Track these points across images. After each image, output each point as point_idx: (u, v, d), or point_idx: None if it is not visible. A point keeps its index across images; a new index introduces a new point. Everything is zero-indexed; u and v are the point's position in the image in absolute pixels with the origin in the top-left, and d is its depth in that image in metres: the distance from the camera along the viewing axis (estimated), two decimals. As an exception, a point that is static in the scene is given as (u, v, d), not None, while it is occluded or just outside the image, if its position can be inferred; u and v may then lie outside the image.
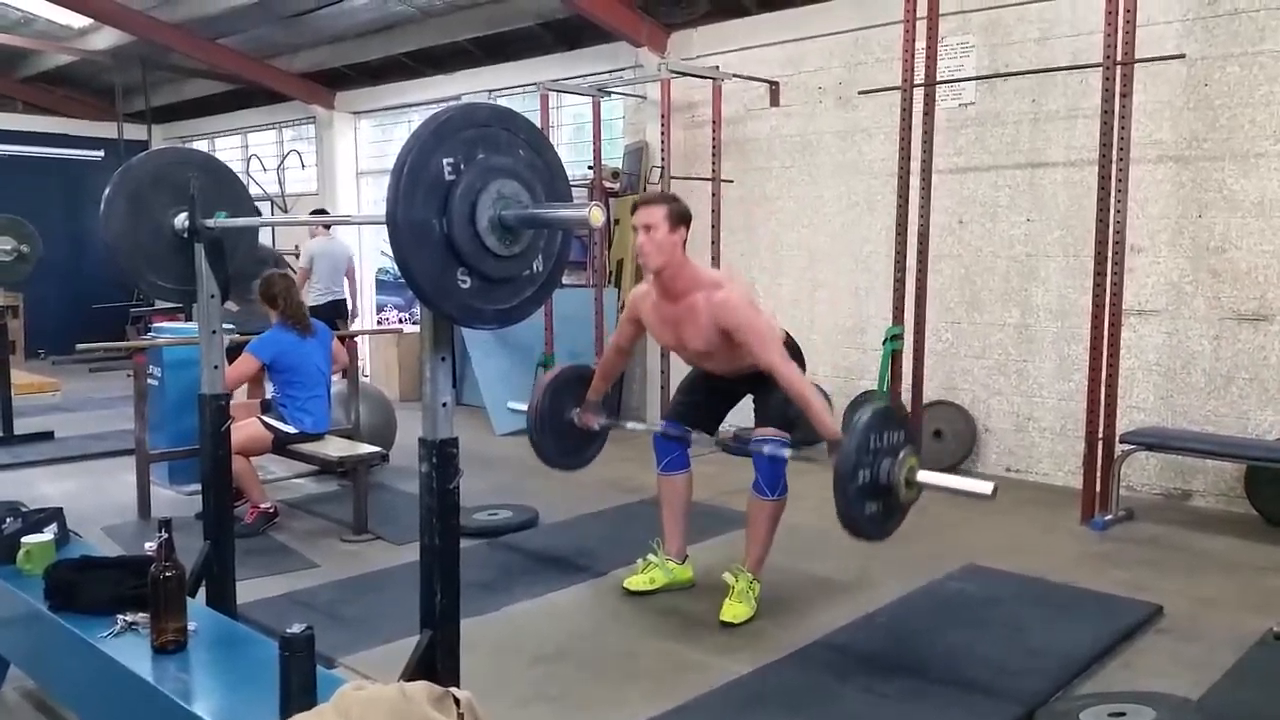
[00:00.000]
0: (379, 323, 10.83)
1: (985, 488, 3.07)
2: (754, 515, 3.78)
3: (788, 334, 3.77)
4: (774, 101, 7.05)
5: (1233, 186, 5.19)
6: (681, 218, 3.55)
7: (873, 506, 3.07)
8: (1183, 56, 5.14)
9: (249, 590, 3.76)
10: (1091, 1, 5.21)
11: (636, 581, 4.00)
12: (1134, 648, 3.47)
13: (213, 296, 2.90)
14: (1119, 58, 4.77)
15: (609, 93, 7.66)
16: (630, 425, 4.49)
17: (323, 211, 9.95)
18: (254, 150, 12.22)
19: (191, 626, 2.36)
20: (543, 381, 4.16)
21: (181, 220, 2.89)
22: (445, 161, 1.88)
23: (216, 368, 2.94)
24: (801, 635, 3.55)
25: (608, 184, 7.93)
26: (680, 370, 6.89)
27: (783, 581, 3.99)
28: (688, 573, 4.06)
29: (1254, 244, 5.15)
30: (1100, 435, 4.98)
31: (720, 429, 4.11)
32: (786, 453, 3.64)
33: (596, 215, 1.90)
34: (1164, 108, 5.35)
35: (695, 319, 3.59)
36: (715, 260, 6.93)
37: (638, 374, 7.94)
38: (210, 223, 2.85)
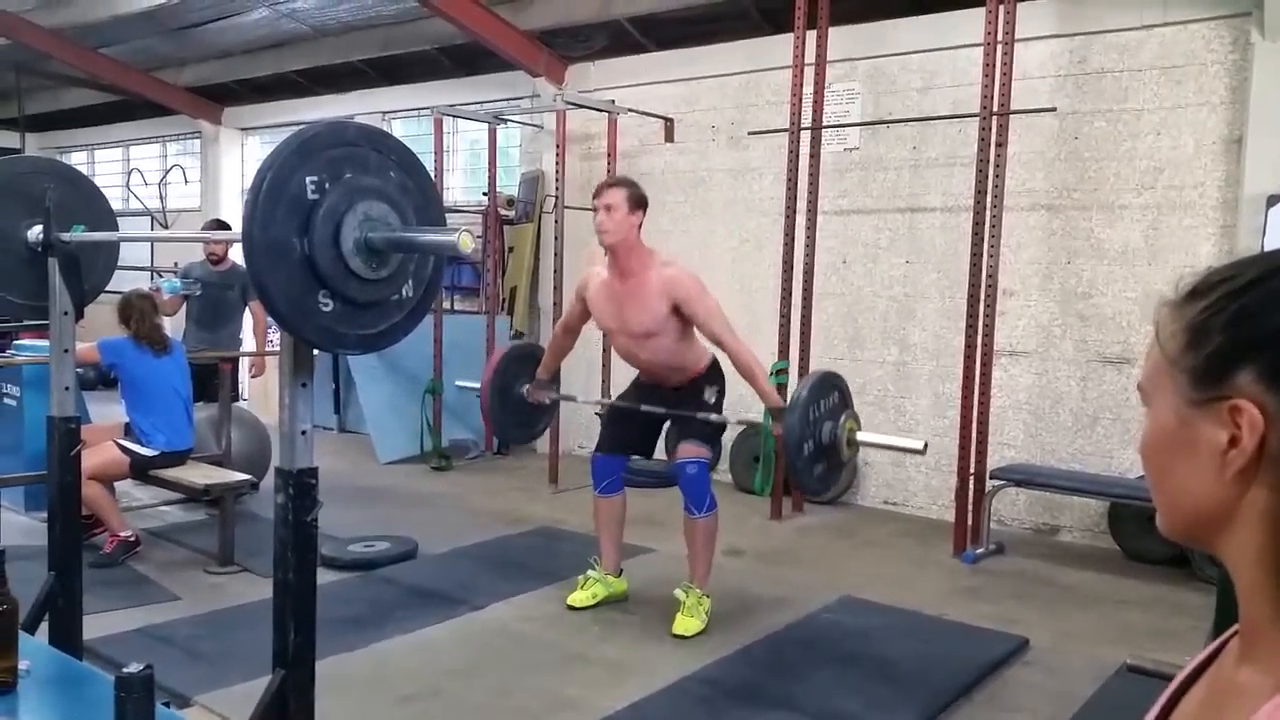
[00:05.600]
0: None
1: (917, 444, 3.64)
2: (688, 535, 3.97)
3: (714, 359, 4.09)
4: (669, 137, 7.12)
5: (1099, 235, 5.45)
6: (639, 202, 3.86)
7: (819, 467, 3.45)
8: (1054, 110, 5.39)
9: (102, 624, 3.58)
10: (971, 54, 5.43)
11: (579, 598, 4.14)
12: (1000, 680, 3.57)
13: (66, 314, 2.75)
14: (995, 109, 4.97)
15: (505, 121, 7.63)
16: (581, 399, 5.13)
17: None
18: (136, 164, 11.76)
19: (24, 665, 2.19)
20: (494, 358, 4.39)
21: (35, 233, 2.75)
22: (309, 180, 1.82)
23: (67, 389, 2.79)
24: (675, 669, 3.53)
25: (503, 211, 7.89)
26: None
27: (660, 615, 3.98)
28: (624, 585, 4.24)
29: (1118, 290, 5.40)
30: (972, 471, 5.14)
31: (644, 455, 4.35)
32: (708, 460, 3.96)
33: (466, 241, 1.86)
34: (1037, 158, 5.59)
35: (645, 294, 3.82)
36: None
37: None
38: (66, 236, 2.71)
